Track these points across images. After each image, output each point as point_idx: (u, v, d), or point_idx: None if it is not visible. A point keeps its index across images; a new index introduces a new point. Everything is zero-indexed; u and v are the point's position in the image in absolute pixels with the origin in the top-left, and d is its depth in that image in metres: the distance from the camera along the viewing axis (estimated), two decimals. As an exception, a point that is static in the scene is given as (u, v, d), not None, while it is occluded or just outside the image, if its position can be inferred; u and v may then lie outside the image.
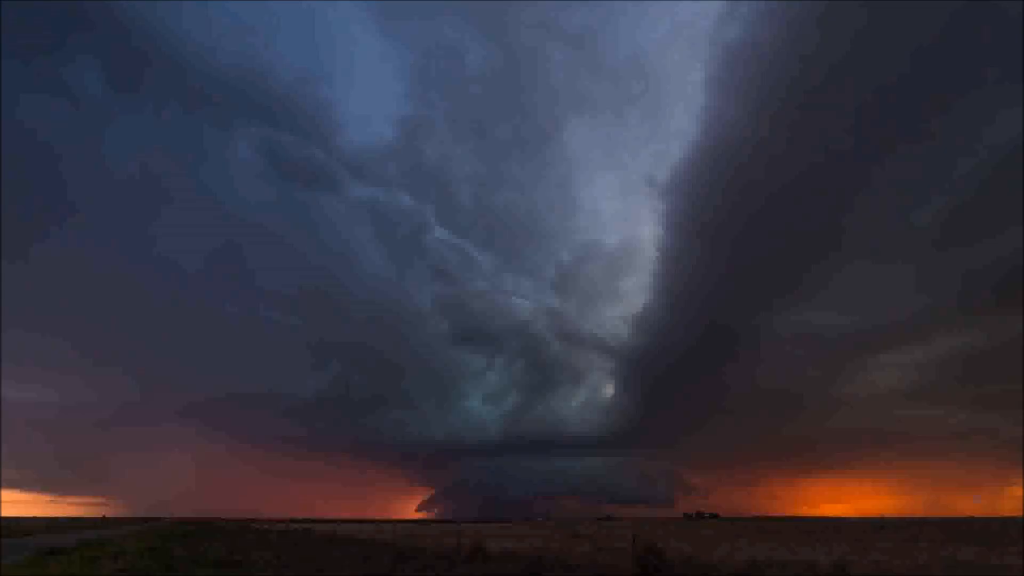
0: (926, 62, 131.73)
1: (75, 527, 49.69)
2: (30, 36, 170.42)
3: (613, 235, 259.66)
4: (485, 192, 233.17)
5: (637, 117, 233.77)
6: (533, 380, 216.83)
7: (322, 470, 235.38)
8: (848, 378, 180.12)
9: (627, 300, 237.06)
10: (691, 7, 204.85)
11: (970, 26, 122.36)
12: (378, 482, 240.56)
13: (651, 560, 11.45)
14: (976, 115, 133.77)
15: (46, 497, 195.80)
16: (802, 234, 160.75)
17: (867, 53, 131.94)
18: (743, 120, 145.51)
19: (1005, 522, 64.79)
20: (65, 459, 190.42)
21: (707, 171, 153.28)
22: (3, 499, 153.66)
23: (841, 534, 33.24)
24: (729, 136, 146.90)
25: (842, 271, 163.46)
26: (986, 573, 12.48)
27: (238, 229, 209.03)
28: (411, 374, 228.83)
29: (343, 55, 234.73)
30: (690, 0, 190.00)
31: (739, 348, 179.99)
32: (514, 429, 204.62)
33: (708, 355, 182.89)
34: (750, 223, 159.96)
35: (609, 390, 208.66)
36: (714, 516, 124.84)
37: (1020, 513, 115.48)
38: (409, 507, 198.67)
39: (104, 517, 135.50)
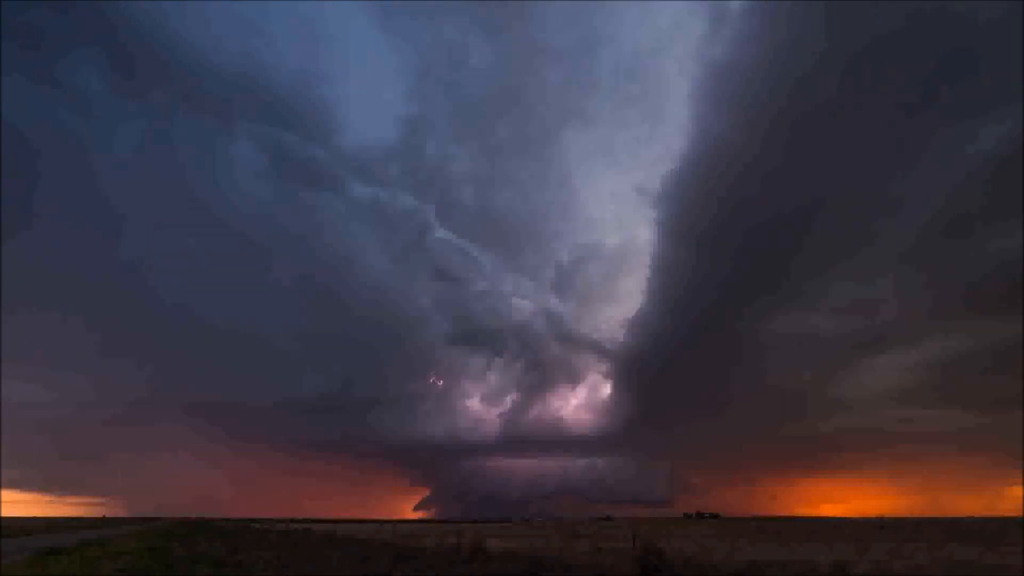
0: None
1: (75, 527, 49.68)
2: (32, 35, 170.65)
3: (613, 236, 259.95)
4: (486, 192, 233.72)
5: (634, 121, 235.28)
6: (532, 380, 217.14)
7: (321, 470, 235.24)
8: (843, 380, 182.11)
9: (626, 301, 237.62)
10: (676, 21, 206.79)
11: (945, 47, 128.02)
12: (376, 482, 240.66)
13: (651, 560, 11.44)
14: (958, 126, 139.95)
15: (46, 497, 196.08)
16: (792, 241, 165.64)
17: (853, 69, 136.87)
18: (730, 134, 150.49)
19: (1005, 522, 64.80)
20: (65, 459, 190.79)
21: (696, 182, 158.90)
22: (3, 499, 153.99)
23: (841, 534, 33.25)
24: (717, 149, 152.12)
25: (833, 277, 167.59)
26: (986, 573, 12.48)
27: (239, 228, 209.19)
28: (411, 374, 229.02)
29: (345, 54, 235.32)
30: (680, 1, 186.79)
31: (734, 351, 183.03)
32: (513, 429, 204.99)
33: (704, 357, 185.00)
34: (741, 230, 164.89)
35: (608, 390, 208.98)
36: (714, 516, 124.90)
37: (1020, 513, 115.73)
38: (407, 506, 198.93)
39: (104, 517, 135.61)
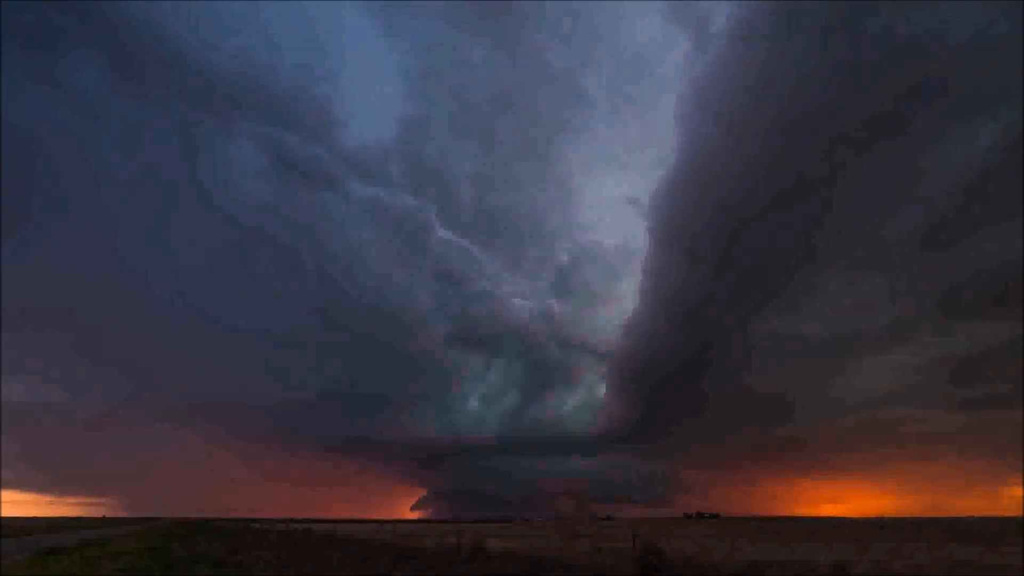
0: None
1: (75, 527, 49.68)
2: (32, 34, 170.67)
3: (613, 236, 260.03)
4: (486, 192, 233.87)
5: (625, 133, 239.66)
6: (531, 381, 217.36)
7: (321, 470, 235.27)
8: (837, 381, 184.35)
9: (626, 302, 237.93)
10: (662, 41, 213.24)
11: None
12: (376, 482, 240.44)
13: (651, 560, 11.45)
14: (938, 138, 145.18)
15: (46, 497, 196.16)
16: (783, 248, 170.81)
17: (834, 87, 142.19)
18: (717, 147, 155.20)
19: (1005, 522, 64.82)
20: (65, 459, 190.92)
21: (686, 192, 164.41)
22: (3, 499, 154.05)
23: (841, 534, 33.26)
24: (705, 161, 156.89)
25: (823, 281, 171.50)
26: (986, 573, 12.48)
27: (238, 228, 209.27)
28: (411, 374, 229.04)
29: (345, 53, 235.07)
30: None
31: (730, 353, 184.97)
32: (512, 429, 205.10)
33: (700, 359, 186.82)
34: (733, 238, 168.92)
35: (606, 392, 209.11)
36: (714, 516, 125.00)
37: (1020, 513, 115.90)
38: (406, 507, 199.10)
39: (104, 517, 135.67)
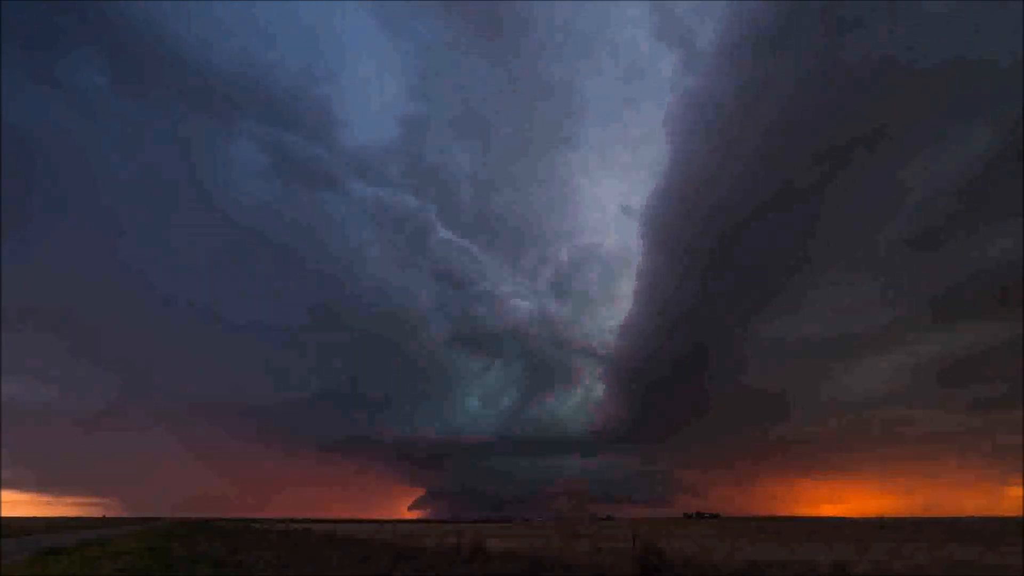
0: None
1: (75, 527, 49.69)
2: (32, 34, 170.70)
3: (613, 237, 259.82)
4: (487, 192, 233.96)
5: (617, 145, 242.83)
6: (530, 381, 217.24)
7: (322, 470, 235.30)
8: (835, 382, 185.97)
9: (625, 303, 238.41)
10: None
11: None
12: (376, 482, 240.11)
13: (651, 560, 11.45)
14: (930, 142, 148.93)
15: (45, 497, 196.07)
16: (777, 251, 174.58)
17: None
18: (706, 156, 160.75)
19: (1005, 522, 64.83)
20: (64, 459, 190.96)
21: (677, 199, 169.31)
22: (3, 499, 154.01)
23: (841, 534, 33.26)
24: (695, 169, 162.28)
25: (820, 283, 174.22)
26: (986, 573, 12.49)
27: (238, 227, 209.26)
28: (410, 374, 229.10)
29: (346, 53, 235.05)
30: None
31: (728, 354, 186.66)
32: (511, 429, 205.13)
33: (698, 360, 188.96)
34: (726, 243, 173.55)
35: (604, 392, 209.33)
36: (714, 516, 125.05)
37: (1020, 513, 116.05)
38: (404, 506, 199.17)
39: (104, 517, 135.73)
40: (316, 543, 22.17)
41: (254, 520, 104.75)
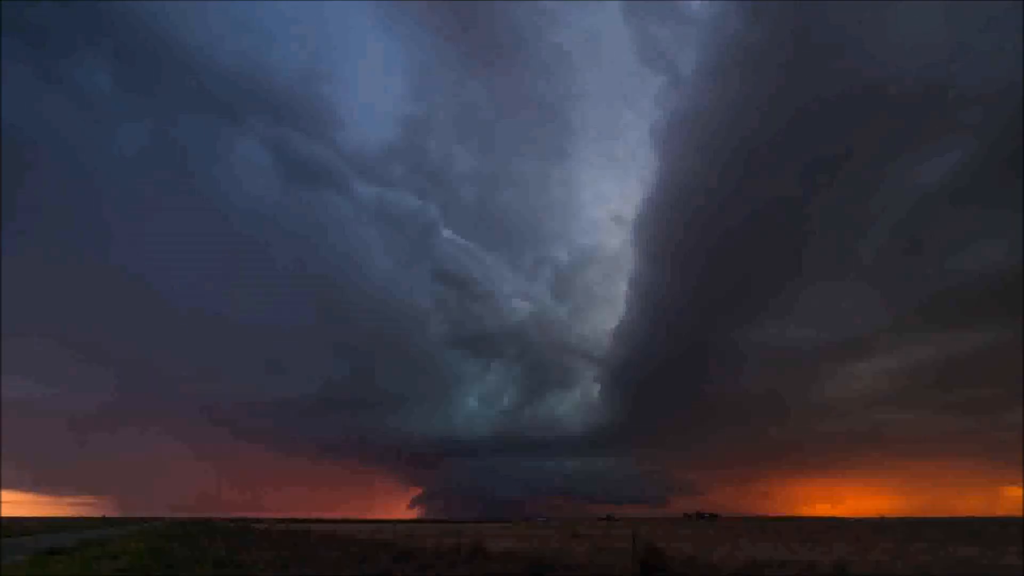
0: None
1: (75, 527, 49.69)
2: (35, 34, 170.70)
3: (612, 238, 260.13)
4: (487, 192, 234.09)
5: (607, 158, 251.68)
6: (529, 381, 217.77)
7: (320, 469, 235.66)
8: (825, 385, 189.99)
9: (622, 304, 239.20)
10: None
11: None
12: (376, 482, 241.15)
13: (651, 560, 11.45)
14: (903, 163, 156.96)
15: (45, 498, 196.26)
16: (766, 260, 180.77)
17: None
18: (693, 171, 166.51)
19: (1005, 522, 64.82)
20: (64, 459, 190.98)
21: (667, 210, 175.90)
22: (3, 499, 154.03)
23: (841, 534, 33.27)
24: (683, 183, 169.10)
25: (806, 291, 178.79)
26: (986, 573, 12.49)
27: (241, 226, 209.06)
28: (411, 374, 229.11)
29: (347, 52, 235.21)
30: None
31: (721, 358, 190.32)
32: (510, 429, 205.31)
33: (691, 364, 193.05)
34: (717, 250, 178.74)
35: (602, 393, 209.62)
36: (714, 516, 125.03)
37: (1020, 513, 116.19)
38: (403, 506, 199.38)
39: (104, 517, 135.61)
40: (316, 543, 22.17)
41: (254, 520, 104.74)
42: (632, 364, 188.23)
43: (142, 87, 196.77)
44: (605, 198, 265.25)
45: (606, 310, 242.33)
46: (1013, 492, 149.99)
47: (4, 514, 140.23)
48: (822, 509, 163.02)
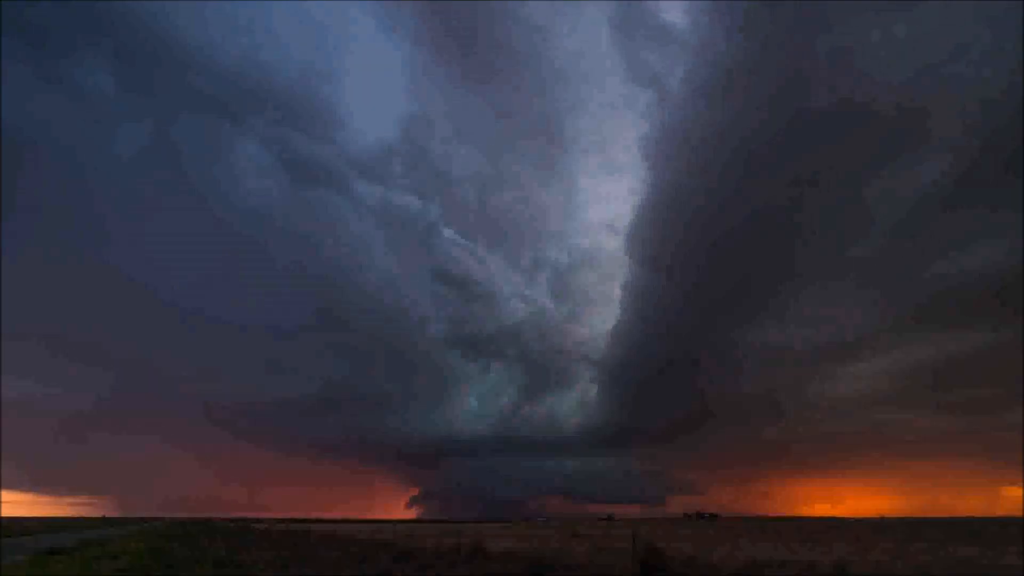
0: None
1: (75, 527, 49.70)
2: (36, 34, 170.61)
3: (612, 239, 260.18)
4: (487, 192, 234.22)
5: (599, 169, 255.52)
6: (528, 381, 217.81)
7: (320, 469, 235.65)
8: (822, 386, 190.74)
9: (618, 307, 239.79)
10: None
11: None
12: (376, 482, 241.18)
13: (651, 560, 11.45)
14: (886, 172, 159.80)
15: (45, 498, 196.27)
16: (761, 265, 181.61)
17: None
18: (682, 181, 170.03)
19: (1005, 522, 64.84)
20: (64, 459, 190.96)
21: (659, 219, 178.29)
22: (3, 499, 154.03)
23: (841, 534, 33.27)
24: (673, 193, 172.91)
25: (803, 293, 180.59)
26: (986, 573, 12.49)
27: (241, 227, 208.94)
28: (410, 374, 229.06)
29: (348, 52, 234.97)
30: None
31: (717, 360, 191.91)
32: (509, 429, 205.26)
33: (687, 366, 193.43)
34: (710, 255, 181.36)
35: (601, 394, 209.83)
36: (714, 516, 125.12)
37: (1020, 513, 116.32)
38: (400, 505, 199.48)
39: (104, 517, 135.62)
40: (316, 543, 22.18)
41: (254, 520, 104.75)
42: (630, 365, 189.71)
43: (142, 87, 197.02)
44: (602, 202, 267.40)
45: (604, 311, 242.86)
46: (1013, 492, 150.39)
47: (4, 514, 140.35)
48: (822, 509, 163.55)
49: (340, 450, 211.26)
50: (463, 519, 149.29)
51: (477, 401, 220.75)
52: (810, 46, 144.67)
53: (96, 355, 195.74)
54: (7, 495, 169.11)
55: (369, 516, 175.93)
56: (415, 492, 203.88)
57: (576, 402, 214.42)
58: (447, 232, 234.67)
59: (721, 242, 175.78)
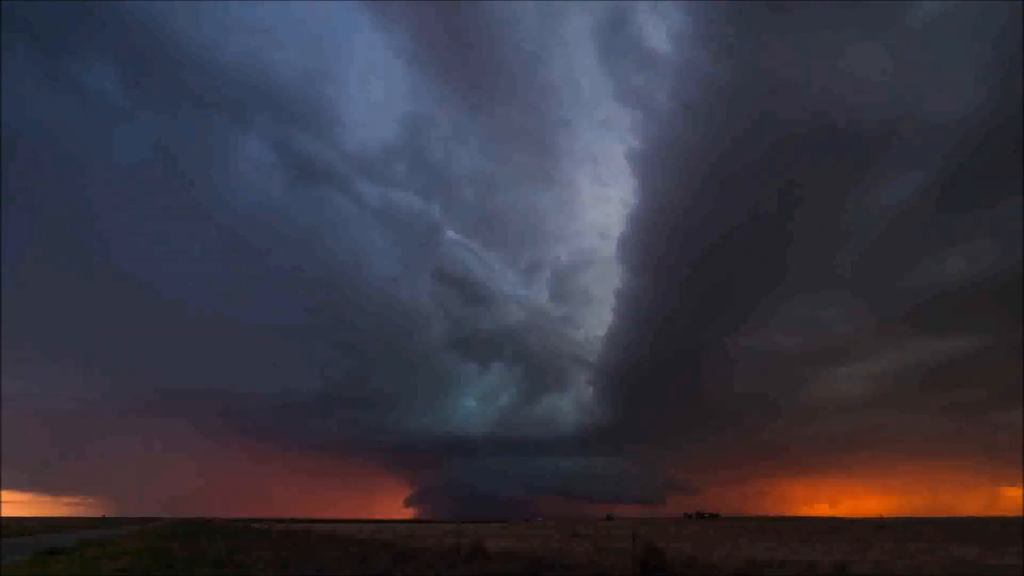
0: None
1: (75, 527, 49.69)
2: (40, 34, 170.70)
3: (611, 239, 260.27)
4: (488, 192, 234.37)
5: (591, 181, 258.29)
6: (528, 382, 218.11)
7: (320, 469, 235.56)
8: (813, 388, 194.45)
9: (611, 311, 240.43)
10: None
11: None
12: (376, 482, 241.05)
13: (651, 560, 11.45)
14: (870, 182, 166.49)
15: (44, 498, 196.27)
16: (753, 271, 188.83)
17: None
18: (671, 192, 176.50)
19: (1005, 522, 64.83)
20: (64, 459, 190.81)
21: (650, 227, 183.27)
22: (3, 499, 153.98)
23: (841, 534, 33.26)
24: (663, 203, 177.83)
25: (789, 301, 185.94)
26: (986, 573, 12.49)
27: (243, 226, 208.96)
28: (410, 374, 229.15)
29: (349, 52, 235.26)
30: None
31: (712, 363, 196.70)
32: (508, 429, 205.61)
33: (684, 368, 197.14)
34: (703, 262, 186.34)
35: (599, 394, 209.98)
36: (714, 516, 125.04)
37: (1020, 513, 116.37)
38: (399, 505, 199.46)
39: (104, 517, 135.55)
40: (316, 543, 22.17)
41: (254, 520, 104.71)
42: (627, 367, 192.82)
43: (144, 86, 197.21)
44: (598, 207, 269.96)
45: (608, 310, 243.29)
46: (1013, 492, 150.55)
47: (4, 514, 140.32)
48: (822, 509, 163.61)
49: (340, 450, 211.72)
50: (463, 519, 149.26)
51: (476, 401, 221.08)
52: (788, 68, 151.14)
53: (95, 355, 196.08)
54: (7, 495, 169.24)
55: (369, 516, 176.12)
56: (414, 492, 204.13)
57: (576, 402, 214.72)
58: (451, 232, 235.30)
59: (710, 250, 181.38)
